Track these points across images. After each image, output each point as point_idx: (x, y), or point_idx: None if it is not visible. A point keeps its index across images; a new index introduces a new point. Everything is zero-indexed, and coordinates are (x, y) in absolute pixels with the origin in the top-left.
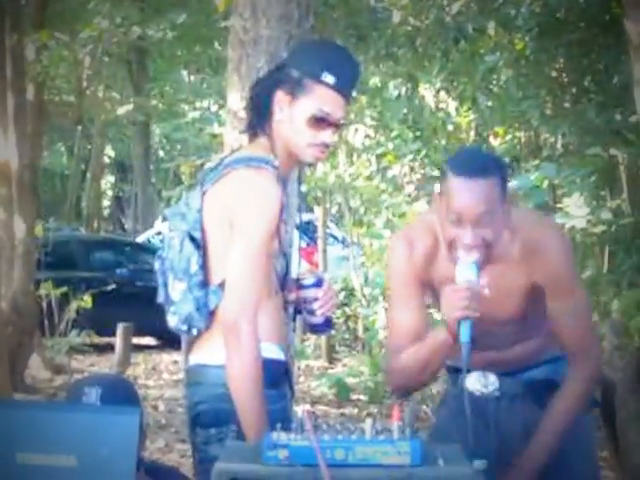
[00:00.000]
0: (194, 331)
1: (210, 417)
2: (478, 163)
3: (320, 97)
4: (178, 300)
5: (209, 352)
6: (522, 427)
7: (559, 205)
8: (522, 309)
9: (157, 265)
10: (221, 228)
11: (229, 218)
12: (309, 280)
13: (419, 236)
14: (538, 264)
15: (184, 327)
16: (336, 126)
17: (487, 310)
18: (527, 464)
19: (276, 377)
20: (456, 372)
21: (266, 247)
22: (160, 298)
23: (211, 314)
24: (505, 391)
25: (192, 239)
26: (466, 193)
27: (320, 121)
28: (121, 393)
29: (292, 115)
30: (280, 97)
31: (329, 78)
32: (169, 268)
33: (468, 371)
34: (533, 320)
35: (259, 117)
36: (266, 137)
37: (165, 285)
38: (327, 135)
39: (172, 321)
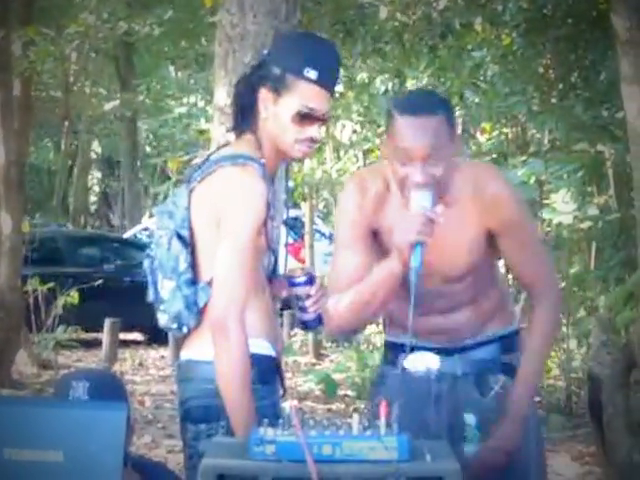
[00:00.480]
0: (184, 329)
1: (200, 413)
2: (423, 101)
3: (304, 93)
4: (167, 298)
5: (199, 348)
6: (463, 407)
7: (546, 201)
8: (473, 262)
9: (146, 264)
10: (209, 226)
11: (216, 216)
12: (301, 278)
13: (371, 181)
14: (492, 214)
15: (174, 325)
16: (322, 120)
17: (438, 264)
18: (515, 407)
19: (266, 373)
20: (395, 349)
21: (253, 244)
22: (150, 297)
23: (200, 312)
24: (445, 371)
25: (180, 237)
26: (413, 130)
27: (306, 117)
28: (108, 388)
29: (277, 112)
30: (264, 95)
31: (311, 73)
32: (158, 267)
33: (415, 303)
34: (481, 281)
35: (244, 116)
36: (252, 134)
37: (154, 283)
38: (313, 130)
39: (162, 319)
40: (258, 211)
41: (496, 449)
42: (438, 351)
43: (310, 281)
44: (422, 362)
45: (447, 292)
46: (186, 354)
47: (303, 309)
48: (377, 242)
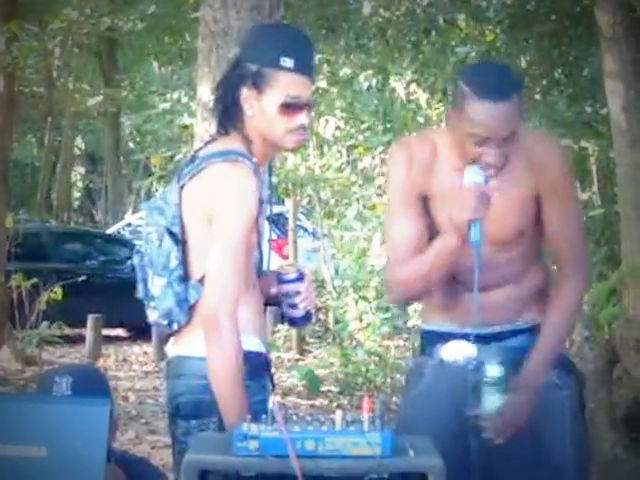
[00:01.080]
0: (174, 326)
1: (191, 408)
2: (500, 84)
3: (285, 83)
4: (158, 295)
5: (189, 345)
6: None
7: None
8: (521, 227)
9: (136, 260)
10: (200, 223)
11: (208, 213)
12: (291, 275)
13: (418, 147)
14: (540, 174)
15: (164, 322)
16: (307, 106)
17: (488, 226)
18: (528, 378)
19: (257, 369)
20: (433, 338)
21: (245, 241)
22: (139, 293)
23: (191, 308)
24: (483, 360)
25: (171, 234)
26: (493, 117)
27: (291, 106)
28: (92, 383)
29: (263, 108)
30: (246, 94)
31: (288, 62)
32: (148, 263)
33: (477, 277)
34: (527, 256)
35: (229, 117)
36: (239, 133)
37: (144, 280)
38: (302, 117)
39: (152, 316)
40: (250, 208)
41: (505, 419)
42: (474, 339)
43: (300, 278)
44: (459, 352)
45: (493, 264)
46: (175, 350)
47: (293, 306)
48: (427, 207)
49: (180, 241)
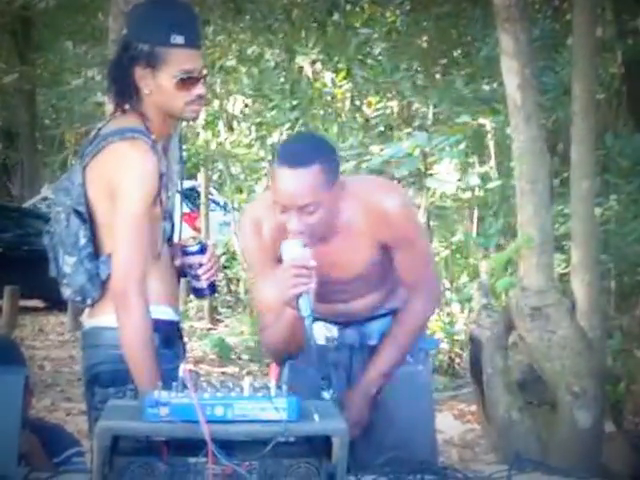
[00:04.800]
0: (88, 301)
1: (109, 377)
2: (299, 152)
3: (178, 59)
4: (70, 272)
5: (105, 316)
6: (357, 377)
7: (430, 171)
8: (367, 268)
9: (46, 240)
10: (104, 200)
11: (110, 190)
12: (193, 247)
13: (264, 215)
14: (383, 228)
15: (78, 298)
16: (202, 77)
17: (335, 272)
18: (362, 388)
19: (170, 337)
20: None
21: (147, 215)
22: (52, 272)
23: (103, 283)
24: (344, 342)
25: (77, 213)
26: (287, 184)
27: (187, 80)
28: (6, 352)
29: (159, 85)
30: (140, 74)
31: (178, 39)
32: (58, 243)
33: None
34: (377, 277)
35: (125, 97)
36: (135, 111)
37: (56, 259)
38: (198, 89)
39: (66, 292)
40: (149, 183)
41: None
42: (337, 323)
43: (202, 250)
44: (322, 333)
45: (343, 288)
46: (91, 322)
47: (196, 277)
48: None
49: (87, 220)
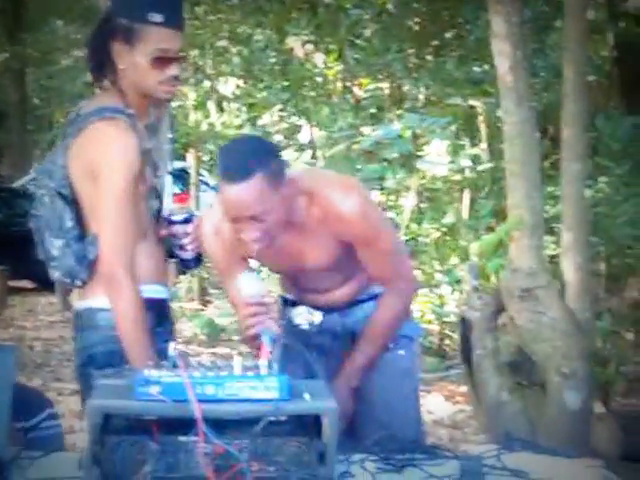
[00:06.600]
0: (78, 282)
1: (105, 358)
2: (238, 166)
3: (154, 37)
4: (58, 255)
5: (99, 297)
6: (339, 363)
7: (421, 153)
8: (335, 260)
9: (32, 223)
10: (86, 182)
11: (91, 172)
12: (179, 216)
13: (223, 222)
14: (341, 227)
15: (67, 280)
16: (179, 58)
17: (305, 262)
18: (342, 381)
19: (163, 315)
20: (286, 303)
21: (130, 194)
22: (40, 255)
23: (92, 264)
24: (326, 327)
25: (61, 196)
26: (232, 199)
27: (162, 59)
28: None
29: (134, 61)
30: (117, 48)
31: (157, 17)
32: (45, 226)
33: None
34: (350, 267)
35: (102, 69)
36: (113, 85)
37: (43, 242)
38: (173, 69)
39: (55, 274)
40: (130, 162)
41: None
42: (319, 308)
43: (188, 220)
44: (306, 317)
45: (317, 278)
46: (84, 303)
47: (182, 247)
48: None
49: (71, 202)
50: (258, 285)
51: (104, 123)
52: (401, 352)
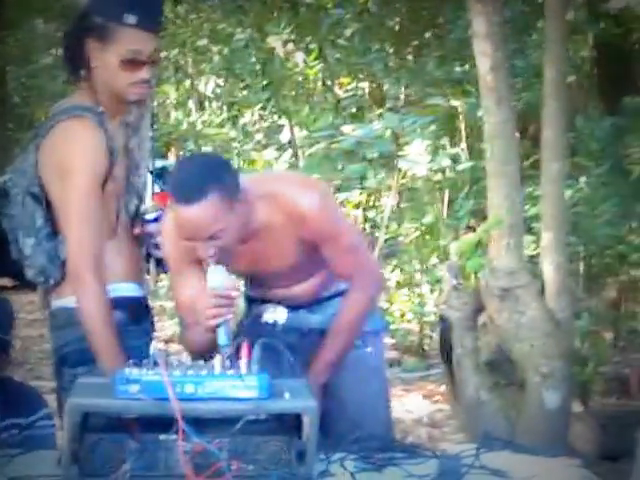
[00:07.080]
0: (51, 281)
1: (77, 357)
2: (191, 187)
3: (127, 39)
4: (30, 254)
5: (70, 297)
6: (308, 357)
7: (401, 153)
8: (298, 257)
9: (5, 223)
10: (56, 181)
11: (60, 170)
12: (151, 215)
13: None
14: (303, 226)
15: (41, 279)
16: (150, 62)
17: (266, 265)
18: (314, 374)
19: (137, 314)
20: (251, 301)
21: (95, 193)
22: (13, 254)
23: (64, 263)
24: (292, 326)
25: (32, 195)
26: (186, 222)
27: (132, 61)
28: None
29: (105, 61)
30: (91, 46)
31: (131, 18)
32: (16, 225)
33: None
34: (312, 264)
35: (76, 66)
36: (86, 82)
37: (16, 241)
38: (143, 72)
39: (28, 273)
40: (96, 160)
41: None
42: (285, 306)
43: (159, 218)
44: (273, 315)
45: (281, 274)
46: (57, 303)
47: (155, 246)
48: None
49: (42, 200)
50: (225, 279)
51: (72, 121)
52: (369, 349)
